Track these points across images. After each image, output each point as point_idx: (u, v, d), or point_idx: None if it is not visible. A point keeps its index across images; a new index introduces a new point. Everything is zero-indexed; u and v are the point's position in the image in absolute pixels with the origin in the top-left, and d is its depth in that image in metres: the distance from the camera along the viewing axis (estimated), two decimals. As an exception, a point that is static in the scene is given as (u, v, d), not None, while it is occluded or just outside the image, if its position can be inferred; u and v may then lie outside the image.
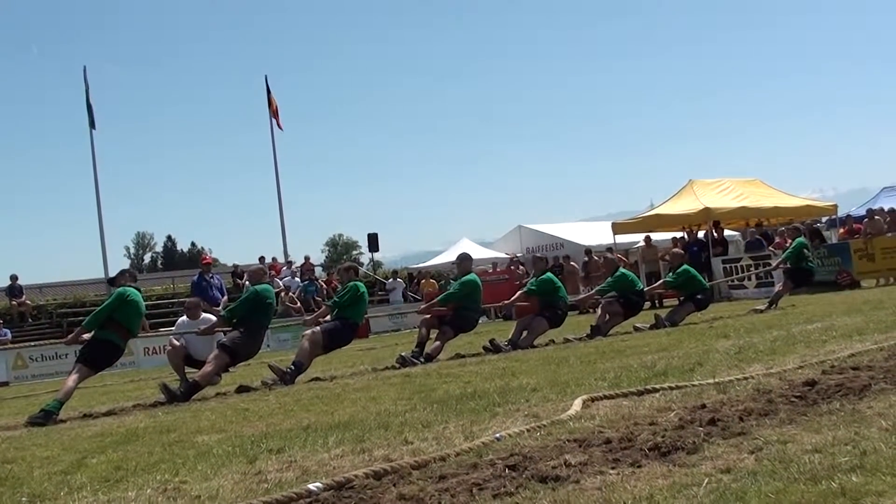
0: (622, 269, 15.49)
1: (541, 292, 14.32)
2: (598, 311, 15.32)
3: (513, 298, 16.15)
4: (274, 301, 12.19)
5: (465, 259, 14.04)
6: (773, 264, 19.90)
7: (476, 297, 13.66)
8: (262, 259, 32.73)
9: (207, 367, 11.00)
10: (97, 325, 10.42)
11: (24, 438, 8.20)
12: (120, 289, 10.63)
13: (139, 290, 10.85)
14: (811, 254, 19.00)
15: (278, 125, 38.04)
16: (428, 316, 13.61)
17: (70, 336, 10.97)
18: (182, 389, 10.81)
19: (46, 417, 9.45)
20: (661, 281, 17.44)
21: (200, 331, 11.93)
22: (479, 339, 13.85)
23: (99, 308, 10.74)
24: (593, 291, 16.88)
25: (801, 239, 18.01)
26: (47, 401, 10.02)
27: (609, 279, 15.34)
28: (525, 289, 15.04)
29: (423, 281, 32.35)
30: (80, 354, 10.44)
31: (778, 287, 17.82)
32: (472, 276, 13.65)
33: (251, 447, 5.93)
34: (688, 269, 15.88)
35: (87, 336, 10.53)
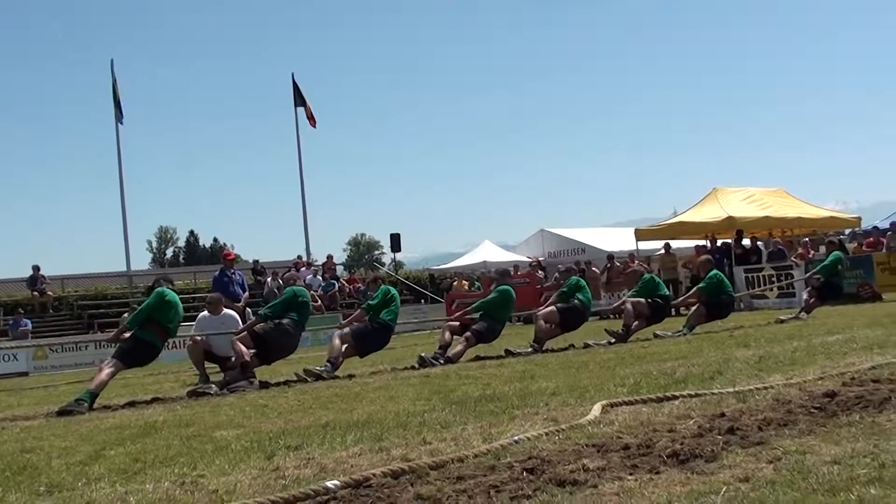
0: (647, 274, 15.67)
1: (570, 293, 14.46)
2: (625, 312, 15.04)
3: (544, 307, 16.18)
4: (309, 301, 12.36)
5: (504, 274, 14.74)
6: (807, 275, 19.42)
7: (508, 310, 14.08)
8: (299, 257, 33.28)
9: (239, 347, 11.35)
10: (137, 325, 10.61)
11: (42, 428, 8.26)
12: (159, 288, 10.85)
13: (176, 293, 11.14)
14: (844, 270, 18.62)
15: (309, 121, 38.06)
16: (456, 323, 13.63)
17: (112, 334, 11.33)
18: (225, 379, 11.21)
19: (78, 405, 9.57)
20: (694, 289, 17.04)
21: (238, 331, 12.03)
22: (500, 341, 13.84)
23: (140, 308, 10.97)
24: (623, 300, 16.70)
25: (839, 253, 17.66)
26: (80, 391, 10.13)
27: (638, 285, 15.42)
28: (557, 293, 15.01)
29: (456, 283, 32.48)
30: (118, 350, 10.58)
31: (805, 296, 17.51)
32: (510, 289, 13.85)
33: (269, 443, 5.94)
34: (717, 273, 15.85)
35: (127, 335, 10.67)
